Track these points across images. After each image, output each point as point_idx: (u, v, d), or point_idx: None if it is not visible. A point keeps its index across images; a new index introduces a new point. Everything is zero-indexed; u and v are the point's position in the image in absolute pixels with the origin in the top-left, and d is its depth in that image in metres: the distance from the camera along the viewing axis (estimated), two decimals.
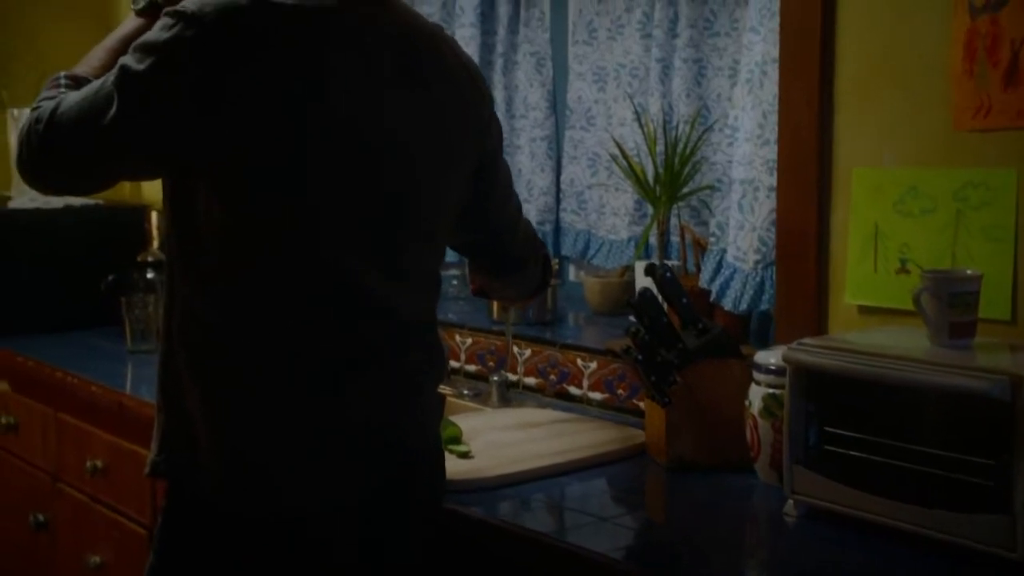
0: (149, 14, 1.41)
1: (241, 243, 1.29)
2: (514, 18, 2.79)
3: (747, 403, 1.60)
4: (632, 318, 2.42)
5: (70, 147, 1.28)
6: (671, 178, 2.33)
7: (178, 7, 1.25)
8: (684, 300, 1.72)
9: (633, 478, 1.71)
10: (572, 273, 2.83)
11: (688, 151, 2.30)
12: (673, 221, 2.41)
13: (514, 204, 1.61)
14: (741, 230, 1.94)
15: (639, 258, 2.37)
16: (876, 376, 1.34)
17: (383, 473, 1.37)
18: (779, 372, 1.55)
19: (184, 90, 1.22)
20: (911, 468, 1.33)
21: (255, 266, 1.30)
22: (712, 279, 2.05)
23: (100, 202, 2.95)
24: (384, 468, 1.37)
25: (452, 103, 1.41)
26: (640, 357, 1.68)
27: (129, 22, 1.45)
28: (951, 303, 1.37)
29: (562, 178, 2.80)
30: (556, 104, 2.80)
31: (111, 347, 2.70)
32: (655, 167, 2.38)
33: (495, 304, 2.17)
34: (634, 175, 2.40)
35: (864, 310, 1.65)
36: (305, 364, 1.32)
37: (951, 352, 1.36)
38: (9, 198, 3.06)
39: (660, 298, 1.72)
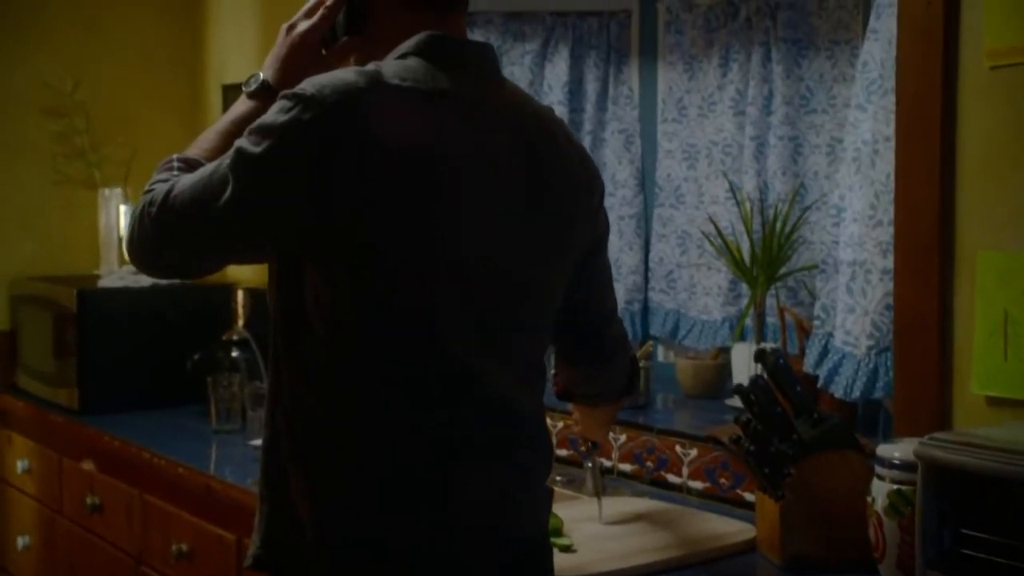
0: (261, 96, 1.39)
1: (349, 329, 1.25)
2: (602, 95, 2.77)
3: (870, 499, 1.51)
4: (728, 401, 2.35)
5: (183, 230, 1.26)
6: (769, 258, 2.26)
7: (296, 89, 1.23)
8: (798, 388, 1.64)
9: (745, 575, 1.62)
10: (661, 354, 2.76)
11: (788, 230, 2.24)
12: (769, 302, 2.35)
13: (612, 299, 1.56)
14: (851, 313, 1.86)
15: (737, 340, 2.29)
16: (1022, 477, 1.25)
17: (492, 565, 1.31)
18: (905, 467, 1.46)
19: (301, 173, 1.20)
20: None
21: (363, 353, 1.26)
22: (818, 364, 1.97)
23: (187, 280, 2.96)
24: (494, 560, 1.31)
25: (565, 188, 1.37)
26: (752, 448, 1.60)
27: (240, 104, 1.43)
28: None
29: (651, 257, 2.75)
30: (645, 182, 2.77)
31: (196, 426, 2.68)
32: (751, 246, 2.31)
33: (580, 442, 2.01)
34: (730, 254, 2.34)
35: (993, 401, 1.55)
36: (412, 453, 1.27)
37: None
38: (98, 277, 3.10)
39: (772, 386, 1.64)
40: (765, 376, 1.64)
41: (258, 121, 1.25)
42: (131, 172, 3.23)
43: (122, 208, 3.22)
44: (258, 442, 2.36)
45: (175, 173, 1.33)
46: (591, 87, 2.77)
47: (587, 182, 1.42)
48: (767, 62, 2.43)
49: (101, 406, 2.78)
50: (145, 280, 2.93)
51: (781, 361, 1.65)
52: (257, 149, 1.22)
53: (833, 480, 1.59)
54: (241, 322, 2.85)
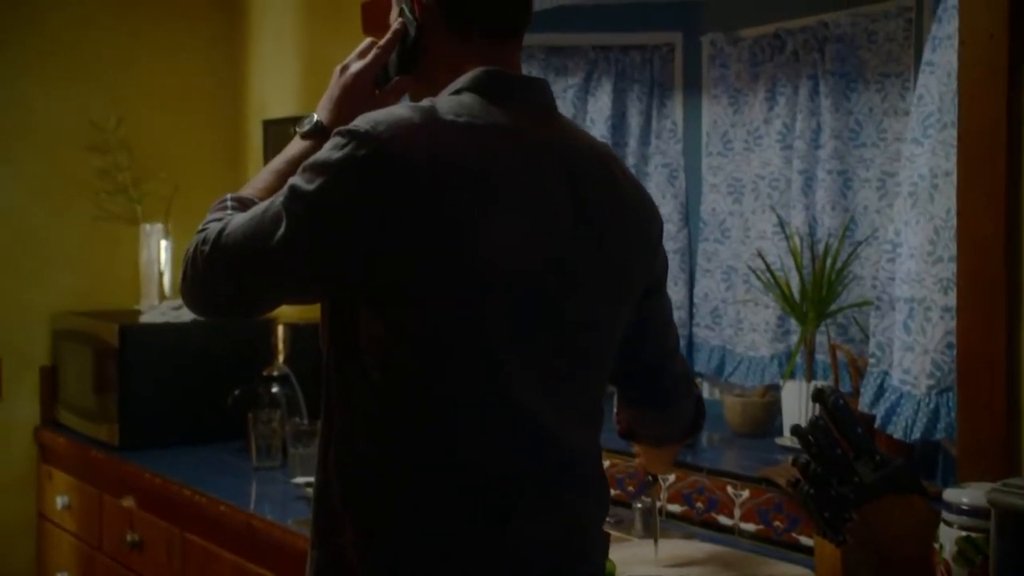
0: (315, 137, 1.38)
1: (404, 370, 1.23)
2: (646, 129, 2.75)
3: (936, 546, 1.46)
4: (778, 440, 2.30)
5: (236, 269, 1.24)
6: (820, 293, 2.22)
7: (350, 125, 1.21)
8: (859, 430, 1.59)
9: None
10: (706, 390, 2.71)
11: (840, 265, 2.19)
12: (818, 339, 2.30)
13: (673, 337, 1.52)
14: (909, 352, 1.81)
15: (788, 378, 2.24)
16: None
17: None
18: (974, 513, 1.41)
19: (356, 210, 1.18)
20: None
21: (417, 394, 1.23)
22: (874, 403, 1.92)
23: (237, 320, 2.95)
24: None
25: (623, 225, 1.34)
26: (811, 491, 1.55)
27: (294, 145, 1.41)
28: None
29: (695, 292, 2.71)
30: (689, 216, 2.73)
31: (236, 463, 2.66)
32: (801, 282, 2.27)
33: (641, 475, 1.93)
34: (779, 290, 2.30)
35: None
36: (467, 497, 1.24)
37: None
38: (139, 312, 3.10)
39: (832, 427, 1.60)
40: (824, 416, 1.60)
41: (312, 158, 1.23)
42: (172, 207, 3.24)
43: (163, 243, 3.22)
44: (300, 480, 2.37)
45: (228, 212, 1.31)
46: (634, 121, 2.75)
47: (644, 218, 1.39)
48: (815, 95, 2.40)
49: (141, 442, 2.76)
50: (186, 315, 2.92)
51: (840, 402, 1.60)
52: (311, 186, 1.20)
53: (897, 525, 1.54)
54: (281, 357, 2.83)
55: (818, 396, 1.62)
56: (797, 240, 2.33)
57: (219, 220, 1.29)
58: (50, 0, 3.13)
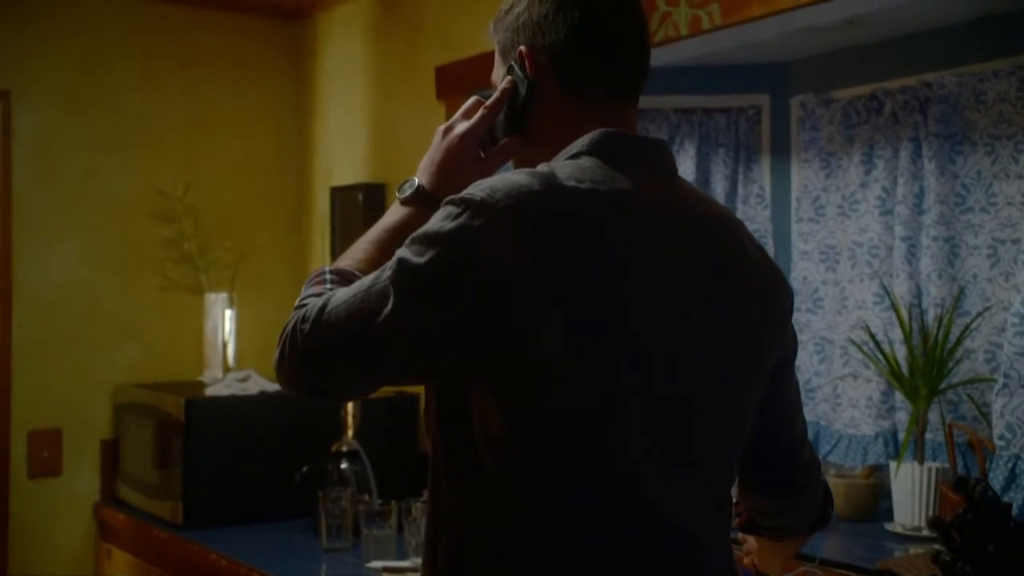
0: (416, 203, 1.28)
1: (524, 458, 1.11)
2: (731, 194, 2.64)
3: None
4: (888, 525, 2.13)
5: (339, 348, 1.14)
6: (933, 368, 2.07)
7: (463, 194, 1.11)
8: (1010, 524, 1.44)
9: None
10: None
11: (955, 338, 2.05)
12: (928, 416, 2.15)
13: (802, 422, 1.39)
14: None
15: (903, 460, 2.09)
16: None
17: None
18: None
19: (471, 286, 1.08)
20: None
21: (539, 485, 1.11)
22: (1005, 489, 1.76)
23: (337, 402, 2.81)
24: None
25: (755, 297, 1.23)
26: None
27: (394, 212, 1.31)
28: None
29: None
30: None
31: (305, 543, 2.53)
32: (911, 355, 2.13)
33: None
34: (886, 364, 2.15)
35: None
36: None
37: None
38: (202, 383, 3.01)
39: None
40: (971, 509, 1.44)
41: (422, 229, 1.13)
42: (237, 276, 3.17)
43: (227, 312, 3.15)
44: (375, 564, 2.23)
45: (328, 286, 1.21)
46: (719, 186, 2.64)
47: (776, 289, 1.27)
48: (917, 158, 2.28)
49: (206, 520, 2.65)
50: (253, 388, 2.83)
51: (989, 492, 1.45)
52: (421, 259, 1.10)
53: None
54: (351, 432, 2.71)
55: (961, 486, 1.47)
56: (904, 311, 2.19)
57: (318, 296, 1.18)
58: (122, 71, 3.10)
